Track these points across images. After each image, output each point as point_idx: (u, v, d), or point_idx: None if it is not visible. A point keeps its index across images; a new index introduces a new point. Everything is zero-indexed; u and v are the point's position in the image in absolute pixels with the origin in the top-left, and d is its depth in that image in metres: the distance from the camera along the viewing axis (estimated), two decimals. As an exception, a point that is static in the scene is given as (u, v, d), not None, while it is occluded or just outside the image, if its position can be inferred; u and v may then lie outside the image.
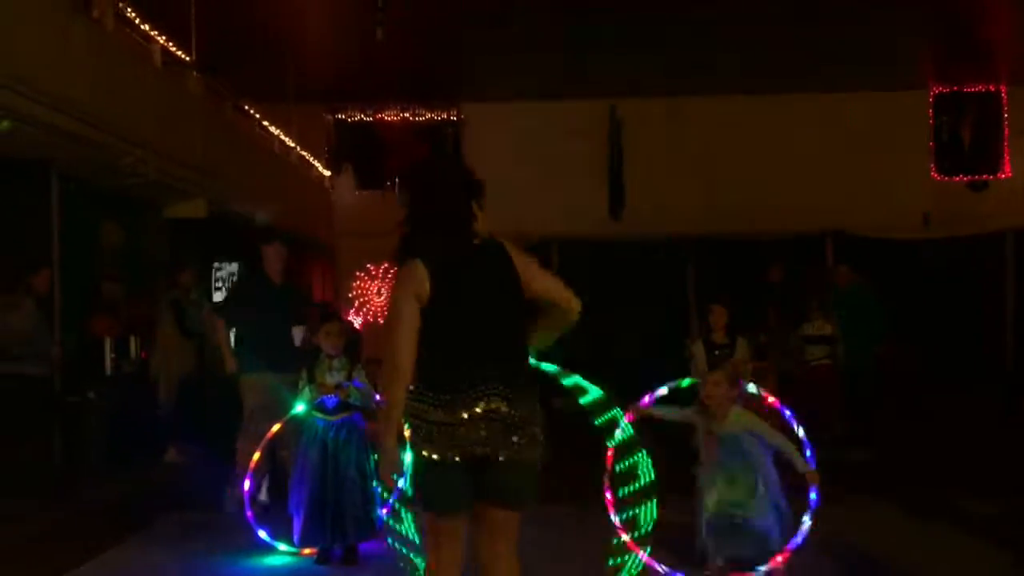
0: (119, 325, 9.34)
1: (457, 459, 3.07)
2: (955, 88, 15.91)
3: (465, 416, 3.06)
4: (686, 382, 5.21)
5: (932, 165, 16.00)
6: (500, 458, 3.08)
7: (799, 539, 4.80)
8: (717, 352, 7.40)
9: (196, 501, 7.10)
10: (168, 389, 9.32)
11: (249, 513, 5.70)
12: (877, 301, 9.05)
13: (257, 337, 6.69)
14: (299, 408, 5.68)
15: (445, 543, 3.20)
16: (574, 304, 3.37)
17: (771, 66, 13.85)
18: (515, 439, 3.09)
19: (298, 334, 6.90)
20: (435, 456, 3.08)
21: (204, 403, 9.08)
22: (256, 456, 5.77)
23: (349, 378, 5.56)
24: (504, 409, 3.08)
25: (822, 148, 15.31)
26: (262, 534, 5.72)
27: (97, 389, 8.75)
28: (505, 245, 3.30)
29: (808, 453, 5.00)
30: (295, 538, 5.59)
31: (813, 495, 4.75)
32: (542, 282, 3.33)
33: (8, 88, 6.82)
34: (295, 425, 5.89)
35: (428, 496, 3.19)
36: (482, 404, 3.07)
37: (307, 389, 5.61)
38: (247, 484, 5.71)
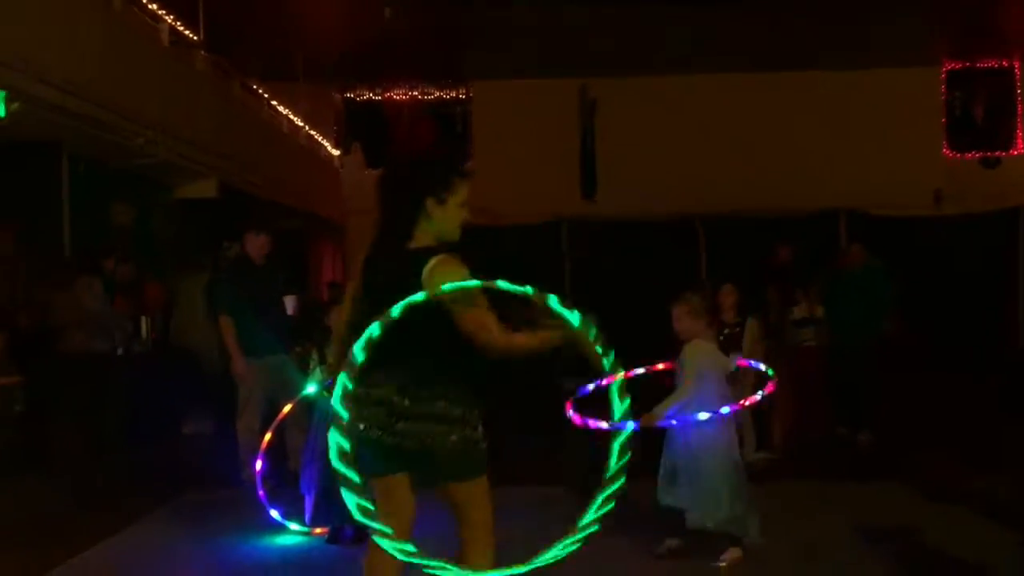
0: (131, 305, 9.38)
1: (362, 434, 3.34)
2: (968, 64, 15.78)
3: (370, 398, 3.34)
4: None
5: (944, 142, 15.90)
6: (394, 440, 3.32)
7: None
8: (727, 331, 7.38)
9: (210, 479, 7.15)
10: (211, 364, 9.34)
11: (261, 492, 5.74)
12: (886, 279, 8.99)
13: (256, 322, 6.72)
14: (310, 389, 5.70)
15: (383, 503, 3.43)
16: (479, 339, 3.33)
17: (779, 44, 13.76)
18: (400, 426, 3.31)
19: (289, 302, 6.95)
20: (355, 428, 3.33)
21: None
22: (268, 437, 5.80)
23: None
24: (393, 398, 3.33)
25: (833, 126, 15.22)
26: (274, 513, 5.77)
27: (110, 369, 8.80)
28: (435, 259, 3.32)
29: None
30: (307, 517, 5.63)
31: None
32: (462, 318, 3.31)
33: (16, 70, 6.83)
34: (305, 405, 5.92)
35: (361, 460, 3.39)
36: (378, 390, 3.33)
37: (318, 370, 5.63)
38: (259, 464, 5.75)
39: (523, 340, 3.35)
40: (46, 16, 7.26)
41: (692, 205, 15.08)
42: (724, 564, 4.91)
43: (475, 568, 3.34)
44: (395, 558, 3.39)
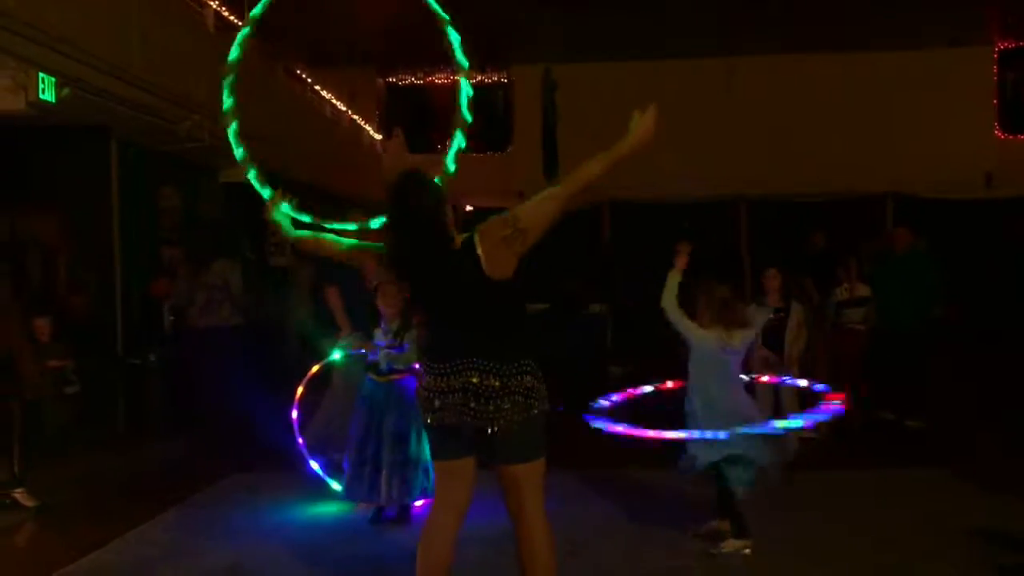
0: (176, 287, 9.50)
1: (435, 423, 3.45)
2: (1021, 43, 15.40)
3: (447, 386, 3.40)
4: None
5: (996, 123, 15.56)
6: (482, 423, 3.36)
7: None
8: (772, 316, 7.31)
9: (260, 459, 7.22)
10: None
11: (300, 441, 5.91)
12: (934, 265, 8.82)
13: (355, 298, 6.79)
14: (335, 356, 6.06)
15: (445, 484, 3.58)
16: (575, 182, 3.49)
17: (828, 25, 13.53)
18: (492, 407, 3.35)
19: None
20: (426, 418, 3.49)
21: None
22: (300, 391, 5.99)
23: (397, 341, 5.62)
24: (479, 381, 3.36)
25: (882, 107, 14.97)
26: (314, 465, 5.94)
27: (157, 351, 8.96)
28: (475, 239, 3.41)
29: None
30: (343, 492, 5.74)
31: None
32: (532, 228, 3.38)
33: (66, 55, 6.94)
34: (351, 382, 6.10)
35: (430, 446, 3.73)
36: (461, 377, 3.38)
37: (348, 340, 5.74)
38: (295, 414, 5.90)
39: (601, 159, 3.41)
40: (94, 2, 7.35)
41: (736, 188, 14.93)
42: (725, 551, 4.86)
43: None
44: (448, 537, 3.50)
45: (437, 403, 3.41)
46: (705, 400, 4.94)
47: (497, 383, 3.35)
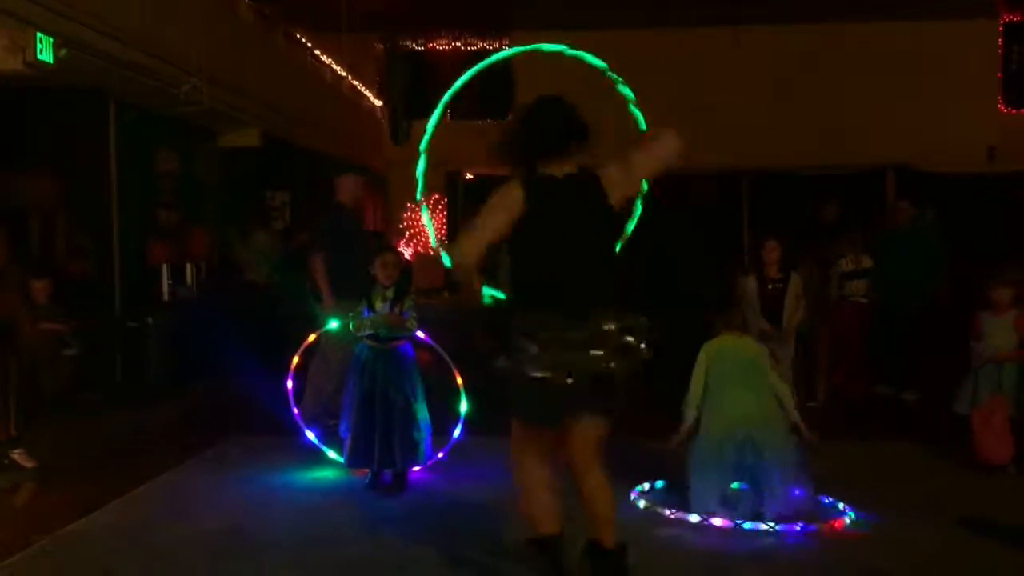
0: (175, 252, 9.49)
1: (550, 375, 3.22)
2: (1027, 16, 15.30)
3: (562, 336, 3.21)
4: None
5: (1000, 97, 15.47)
6: (583, 373, 3.21)
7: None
8: (771, 287, 7.31)
9: (256, 423, 7.24)
10: None
11: (296, 412, 5.92)
12: (937, 239, 8.80)
13: (350, 270, 6.72)
14: (332, 325, 6.12)
15: (534, 443, 3.44)
16: (670, 141, 3.66)
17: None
18: (596, 353, 3.21)
19: None
20: (535, 374, 3.24)
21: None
22: (296, 360, 6.01)
23: (397, 310, 5.63)
24: (602, 327, 3.23)
25: (884, 80, 14.86)
26: (310, 435, 6.02)
27: (155, 315, 8.96)
28: (599, 173, 3.41)
29: None
30: (345, 460, 5.74)
31: None
32: (640, 167, 3.51)
33: (64, 16, 6.87)
34: (345, 350, 6.11)
35: (522, 408, 3.40)
36: (575, 333, 3.21)
37: (353, 316, 5.73)
38: (290, 384, 5.91)
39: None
40: (92, -38, 7.27)
41: (737, 160, 14.87)
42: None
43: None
44: (550, 487, 3.45)
45: (540, 354, 3.24)
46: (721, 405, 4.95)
47: (602, 327, 3.24)
